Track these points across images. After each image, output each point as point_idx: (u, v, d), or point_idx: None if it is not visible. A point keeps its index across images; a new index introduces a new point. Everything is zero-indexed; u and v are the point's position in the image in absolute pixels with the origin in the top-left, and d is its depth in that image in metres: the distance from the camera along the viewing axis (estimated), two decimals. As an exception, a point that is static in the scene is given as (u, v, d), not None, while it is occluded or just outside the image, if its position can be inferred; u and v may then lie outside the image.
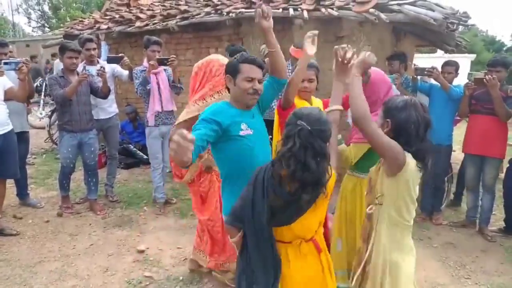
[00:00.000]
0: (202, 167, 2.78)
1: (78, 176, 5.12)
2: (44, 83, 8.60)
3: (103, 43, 5.53)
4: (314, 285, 1.64)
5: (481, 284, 3.04)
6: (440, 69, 3.92)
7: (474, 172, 3.98)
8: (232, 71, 1.92)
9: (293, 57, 3.94)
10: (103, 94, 4.12)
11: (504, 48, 38.97)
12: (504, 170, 4.00)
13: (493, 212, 4.08)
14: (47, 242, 3.59)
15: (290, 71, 4.02)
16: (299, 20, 4.55)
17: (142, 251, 3.40)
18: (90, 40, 4.31)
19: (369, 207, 1.85)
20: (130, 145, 6.04)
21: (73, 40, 4.58)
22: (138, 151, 5.99)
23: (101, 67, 4.03)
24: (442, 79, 3.83)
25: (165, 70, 4.19)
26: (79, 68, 4.08)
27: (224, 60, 2.60)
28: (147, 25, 5.70)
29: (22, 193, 4.42)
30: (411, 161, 1.68)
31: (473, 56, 16.75)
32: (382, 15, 4.20)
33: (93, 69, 4.15)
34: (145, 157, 6.05)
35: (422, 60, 10.83)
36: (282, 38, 4.87)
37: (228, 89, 2.00)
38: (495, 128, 3.70)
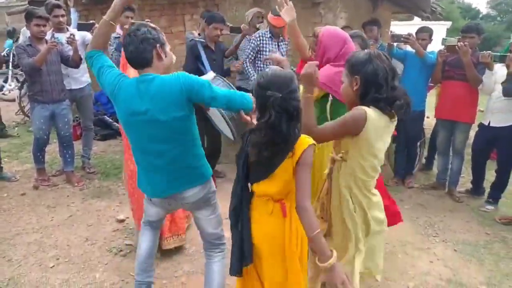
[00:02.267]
0: None
1: (53, 148, 5.04)
2: (11, 53, 8.20)
3: (72, 9, 5.28)
4: (271, 244, 1.67)
5: (447, 241, 3.23)
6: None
7: (445, 136, 4.13)
8: (160, 40, 1.90)
9: (272, 25, 3.87)
10: (74, 63, 3.99)
11: (480, 16, 39.40)
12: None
13: (462, 175, 4.28)
14: (24, 214, 3.56)
15: (269, 38, 3.98)
16: (276, -15, 4.45)
17: (122, 221, 3.43)
18: (58, 6, 4.11)
19: (331, 162, 1.88)
20: (105, 116, 5.92)
21: (39, 7, 4.36)
22: (114, 122, 5.89)
23: (71, 34, 3.88)
24: (418, 45, 3.89)
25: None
26: (48, 36, 3.91)
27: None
28: (118, -10, 5.45)
29: (-5, 166, 4.33)
30: (374, 116, 1.64)
31: (449, 24, 16.88)
32: (359, -20, 4.16)
33: (62, 37, 3.99)
34: (116, 125, 5.97)
35: (398, 27, 10.83)
36: (260, 3, 4.79)
37: None
38: (466, 93, 3.82)
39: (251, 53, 3.96)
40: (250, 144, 1.60)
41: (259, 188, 1.68)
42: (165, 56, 1.88)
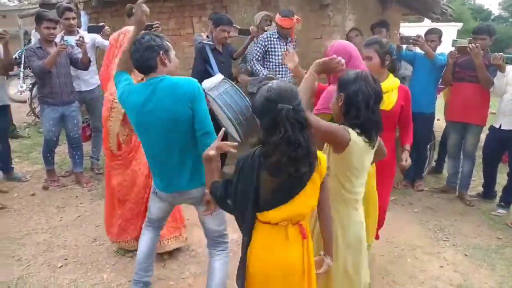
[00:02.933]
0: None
1: (62, 150, 5.09)
2: (23, 55, 8.30)
3: (82, 12, 5.35)
4: (287, 273, 1.55)
5: (458, 245, 3.18)
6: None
7: (456, 139, 4.07)
8: (164, 47, 1.97)
9: (280, 26, 3.87)
10: (83, 65, 4.02)
11: (492, 17, 38.90)
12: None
13: (473, 178, 4.21)
14: (34, 215, 3.59)
15: (277, 39, 3.97)
16: (284, -13, 4.45)
17: (130, 222, 3.44)
18: (69, 9, 4.16)
19: None
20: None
21: (50, 9, 4.42)
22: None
23: (80, 37, 3.92)
24: (427, 47, 3.84)
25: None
26: (57, 39, 3.96)
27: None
28: (127, -7, 5.50)
29: (6, 167, 4.37)
30: (357, 139, 1.69)
31: (460, 25, 16.69)
32: (368, -19, 4.13)
33: (72, 39, 4.03)
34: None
35: (408, 29, 10.74)
36: (268, 4, 4.78)
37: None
38: (477, 95, 3.76)
39: (259, 53, 3.96)
40: (267, 169, 1.46)
41: (276, 214, 1.51)
42: (169, 62, 1.97)
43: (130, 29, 2.56)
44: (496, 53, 3.56)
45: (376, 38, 2.60)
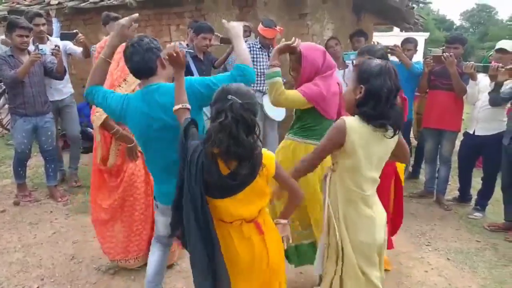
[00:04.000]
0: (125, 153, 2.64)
1: (34, 162, 4.87)
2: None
3: (54, 19, 5.15)
4: (259, 265, 1.63)
5: (440, 249, 3.25)
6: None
7: (432, 145, 4.19)
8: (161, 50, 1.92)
9: (262, 36, 3.87)
10: (59, 74, 3.87)
11: (454, 27, 40.79)
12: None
13: (448, 183, 4.33)
14: (4, 232, 3.39)
15: (259, 49, 3.97)
16: (264, -4, 4.48)
17: (109, 237, 3.30)
18: (39, 15, 4.01)
19: (324, 174, 1.91)
20: (88, 128, 5.76)
21: (19, 16, 4.23)
22: (90, 129, 5.74)
23: (56, 45, 3.77)
24: (404, 56, 3.95)
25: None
26: (31, 47, 3.79)
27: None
28: (102, 0, 5.38)
29: (-28, 182, 4.13)
30: (356, 125, 1.67)
31: (427, 35, 17.40)
32: (347, -8, 4.22)
33: (47, 48, 3.88)
34: (98, 137, 5.83)
35: (379, 38, 11.08)
36: (246, 14, 4.79)
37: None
38: (452, 103, 3.89)
39: None
40: (206, 155, 1.48)
41: (226, 210, 1.56)
42: (168, 65, 1.92)
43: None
44: (468, 62, 3.70)
45: (367, 46, 2.63)
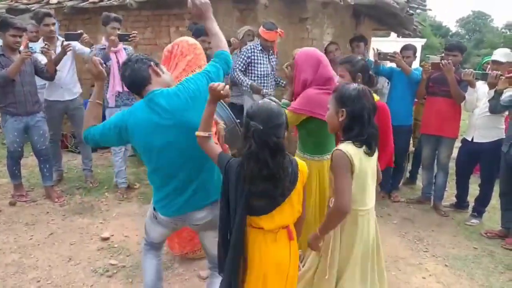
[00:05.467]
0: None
1: (30, 162, 4.83)
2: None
3: (53, 19, 5.12)
4: (283, 271, 1.68)
5: (437, 256, 3.25)
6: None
7: (430, 151, 4.21)
8: (152, 60, 1.93)
9: (263, 39, 3.88)
10: (49, 74, 3.85)
11: (450, 33, 41.11)
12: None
13: (446, 189, 4.35)
14: (0, 233, 3.35)
15: (260, 51, 3.98)
16: (264, 0, 4.49)
17: (106, 239, 3.28)
18: (49, 15, 4.00)
19: (330, 200, 1.93)
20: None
21: (16, 15, 4.22)
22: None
23: (45, 44, 3.76)
24: (404, 63, 3.97)
25: (125, 49, 3.99)
26: (39, 44, 3.78)
27: (192, 40, 2.51)
28: (102, 0, 5.36)
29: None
30: (356, 155, 1.74)
31: (424, 41, 17.52)
32: (347, -3, 4.24)
33: (37, 47, 3.85)
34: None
35: (377, 43, 11.13)
36: (247, 17, 4.80)
37: None
38: (450, 109, 3.91)
39: (242, 64, 3.96)
40: (244, 179, 1.57)
41: (272, 221, 1.63)
42: (163, 73, 1.92)
43: (182, 39, 2.48)
44: (466, 69, 3.73)
45: (349, 57, 2.62)
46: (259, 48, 3.95)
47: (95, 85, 2.00)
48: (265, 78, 4.00)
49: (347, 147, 1.75)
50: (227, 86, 1.69)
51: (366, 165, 1.81)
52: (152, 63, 1.87)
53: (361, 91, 1.77)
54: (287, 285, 1.70)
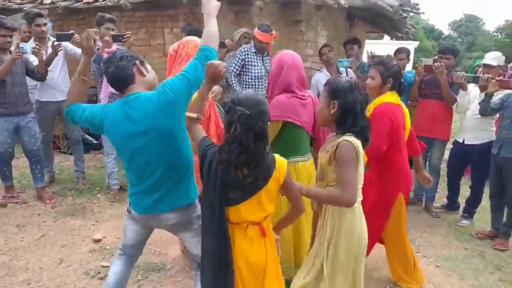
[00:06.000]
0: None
1: (21, 163, 4.79)
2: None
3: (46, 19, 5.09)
4: (257, 268, 1.67)
5: (429, 256, 3.28)
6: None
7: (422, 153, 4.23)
8: (137, 58, 1.91)
9: (258, 41, 3.88)
10: (40, 75, 3.83)
11: (443, 36, 41.47)
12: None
13: (437, 190, 4.39)
14: (-10, 235, 3.32)
15: (254, 53, 3.99)
16: (259, 2, 4.50)
17: (98, 240, 3.26)
18: (40, 15, 3.98)
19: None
20: (86, 135, 5.69)
21: (9, 15, 4.18)
22: (87, 136, 5.68)
23: (36, 44, 3.74)
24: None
25: (119, 49, 3.97)
26: (28, 45, 3.75)
27: (199, 40, 2.44)
28: (96, 1, 5.33)
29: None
30: (358, 144, 1.75)
31: (416, 43, 17.67)
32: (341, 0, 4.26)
33: (28, 47, 3.82)
34: (94, 142, 5.77)
35: (371, 46, 11.19)
36: (241, 19, 4.81)
37: None
38: (442, 111, 3.95)
39: (236, 67, 3.96)
40: (220, 163, 1.56)
41: (237, 213, 1.63)
42: (147, 72, 1.89)
43: (189, 39, 2.46)
44: (458, 72, 3.77)
45: (383, 59, 2.65)
46: (253, 50, 3.96)
47: (82, 59, 1.97)
48: (259, 80, 4.01)
49: (352, 138, 1.75)
50: (224, 64, 1.70)
51: (362, 158, 1.83)
52: (137, 61, 1.85)
53: (353, 84, 1.80)
54: (265, 283, 1.69)
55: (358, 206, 1.88)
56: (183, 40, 2.50)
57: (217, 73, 1.71)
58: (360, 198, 1.88)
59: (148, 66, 1.94)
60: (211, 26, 1.92)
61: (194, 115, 1.72)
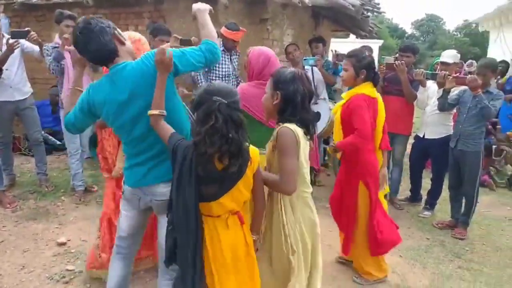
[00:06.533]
0: None
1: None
2: None
3: (2, 15, 4.87)
4: (239, 254, 1.69)
5: (393, 247, 3.40)
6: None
7: (386, 148, 4.38)
8: (113, 27, 1.79)
9: (224, 37, 3.88)
10: None
11: (406, 35, 42.85)
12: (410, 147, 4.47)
13: (400, 184, 4.56)
14: None
15: (221, 51, 3.98)
16: (225, 0, 4.49)
17: (63, 244, 3.17)
18: None
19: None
20: (48, 135, 5.47)
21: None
22: (50, 137, 5.48)
23: (8, 39, 3.58)
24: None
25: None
26: None
27: (137, 35, 2.38)
28: (56, -4, 5.15)
29: None
30: (299, 131, 1.78)
31: (381, 42, 18.16)
32: (305, -2, 4.34)
33: None
34: (58, 142, 5.58)
35: (336, 44, 11.43)
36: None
37: None
38: (404, 108, 4.10)
39: None
40: (199, 157, 1.53)
41: (220, 206, 1.63)
42: (125, 40, 1.82)
43: (130, 35, 2.31)
44: (417, 69, 3.92)
45: (355, 51, 2.70)
46: (221, 49, 3.96)
47: (74, 71, 1.92)
48: (227, 78, 4.01)
49: (292, 126, 1.77)
50: (171, 52, 1.65)
51: (305, 148, 1.85)
52: (116, 31, 1.75)
53: (297, 75, 1.82)
54: (248, 267, 1.71)
55: (307, 196, 1.93)
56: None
57: (166, 60, 1.64)
58: (310, 189, 1.93)
59: (123, 33, 1.84)
60: (208, 19, 1.92)
61: (156, 111, 1.67)
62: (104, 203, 2.67)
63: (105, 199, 2.67)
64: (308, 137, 1.86)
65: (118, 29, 1.80)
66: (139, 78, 1.71)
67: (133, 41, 2.28)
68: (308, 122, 1.83)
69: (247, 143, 1.59)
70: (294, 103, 1.78)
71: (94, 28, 1.65)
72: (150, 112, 1.67)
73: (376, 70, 2.74)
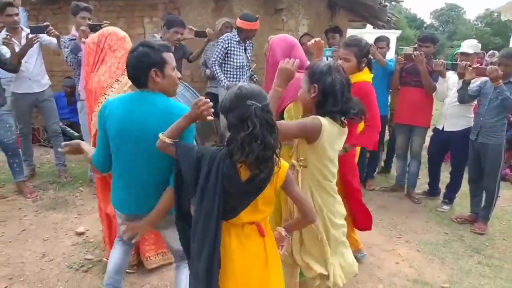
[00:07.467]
0: None
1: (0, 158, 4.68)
2: None
3: (20, 9, 4.92)
4: (256, 265, 1.60)
5: (410, 241, 3.36)
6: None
7: (403, 140, 4.31)
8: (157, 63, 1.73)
9: (245, 30, 3.85)
10: (12, 66, 3.73)
11: (424, 25, 41.90)
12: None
13: (418, 177, 4.48)
14: (-31, 231, 3.25)
15: (237, 42, 3.97)
16: (239, -10, 4.46)
17: (81, 233, 3.22)
18: (11, 4, 3.84)
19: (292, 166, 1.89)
20: (66, 127, 5.56)
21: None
22: (68, 128, 5.56)
23: (7, 34, 3.63)
24: (379, 55, 4.04)
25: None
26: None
27: (122, 33, 2.34)
28: (72, -11, 5.18)
29: None
30: (329, 125, 1.75)
31: (399, 32, 17.77)
32: (321, -12, 4.26)
33: None
34: (75, 134, 5.66)
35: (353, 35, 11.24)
36: (221, 8, 4.75)
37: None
38: (423, 99, 4.01)
39: (219, 55, 3.93)
40: (228, 167, 1.46)
41: (240, 218, 1.55)
42: (162, 78, 1.75)
43: (112, 30, 2.32)
44: (437, 60, 3.82)
45: (355, 39, 2.61)
46: (237, 39, 3.94)
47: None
48: (241, 70, 3.99)
49: (324, 120, 1.74)
50: (210, 105, 1.60)
51: (337, 143, 1.84)
52: (154, 69, 1.72)
53: (333, 67, 1.79)
54: (271, 277, 1.62)
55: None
56: (104, 32, 2.33)
57: (201, 114, 1.60)
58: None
59: (168, 69, 1.76)
60: None
61: (170, 141, 1.61)
62: (98, 199, 2.67)
63: (98, 195, 2.64)
64: (344, 127, 1.82)
65: (165, 66, 1.74)
66: (153, 115, 1.71)
67: (118, 38, 2.28)
68: (349, 110, 1.78)
69: (279, 149, 1.49)
70: (333, 94, 1.75)
71: (136, 55, 1.70)
72: (162, 137, 1.61)
73: (370, 57, 2.69)
